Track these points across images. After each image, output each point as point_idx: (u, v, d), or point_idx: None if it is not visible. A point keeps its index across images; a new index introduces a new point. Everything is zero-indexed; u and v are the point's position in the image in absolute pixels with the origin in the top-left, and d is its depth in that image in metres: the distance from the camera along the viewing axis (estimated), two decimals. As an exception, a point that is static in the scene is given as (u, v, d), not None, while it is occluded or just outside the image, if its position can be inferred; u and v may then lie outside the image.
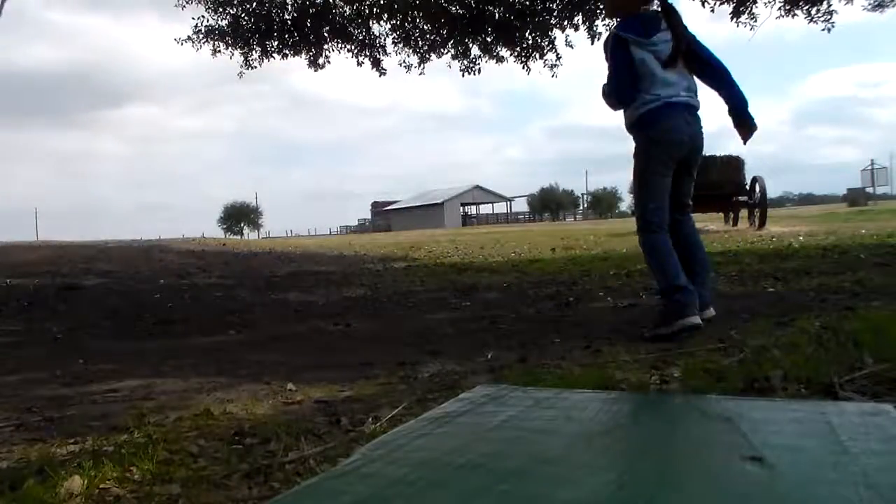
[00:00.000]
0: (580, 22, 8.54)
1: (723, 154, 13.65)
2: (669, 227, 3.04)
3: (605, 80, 3.09)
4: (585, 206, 72.70)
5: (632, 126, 3.04)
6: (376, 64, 9.05)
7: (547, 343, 2.75)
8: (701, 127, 3.06)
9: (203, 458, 1.51)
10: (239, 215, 76.39)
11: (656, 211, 3.00)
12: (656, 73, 2.92)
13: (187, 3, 8.21)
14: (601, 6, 8.10)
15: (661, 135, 2.96)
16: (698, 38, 3.05)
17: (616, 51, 2.95)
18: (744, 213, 13.62)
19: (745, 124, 2.97)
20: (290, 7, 8.51)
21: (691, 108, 3.02)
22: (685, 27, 3.00)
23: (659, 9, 3.06)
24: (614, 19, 3.22)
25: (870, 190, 32.67)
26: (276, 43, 8.66)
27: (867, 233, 8.75)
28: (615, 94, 3.05)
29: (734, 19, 8.16)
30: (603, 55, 3.07)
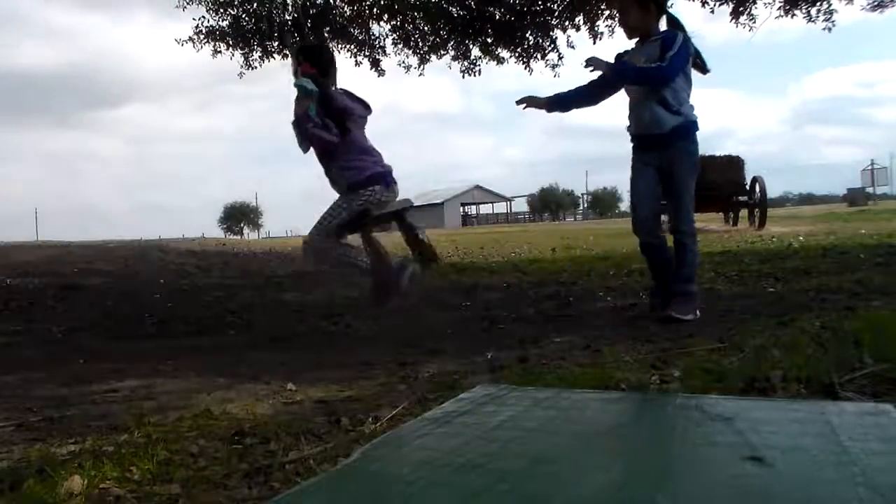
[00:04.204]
0: (581, 22, 8.54)
1: (723, 154, 13.65)
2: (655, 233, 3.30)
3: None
4: (585, 206, 72.65)
5: (688, 129, 3.23)
6: (375, 64, 9.06)
7: (547, 343, 2.75)
8: None
9: (203, 458, 1.51)
10: (239, 215, 76.35)
11: None
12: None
13: (188, 3, 8.22)
14: (602, 6, 8.10)
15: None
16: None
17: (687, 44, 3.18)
18: (744, 213, 13.61)
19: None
20: (290, 7, 8.52)
21: None
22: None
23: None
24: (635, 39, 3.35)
25: (870, 190, 32.66)
26: (277, 43, 8.66)
27: (867, 233, 8.74)
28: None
29: (733, 20, 8.17)
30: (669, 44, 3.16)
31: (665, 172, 3.23)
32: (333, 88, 3.43)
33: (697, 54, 3.25)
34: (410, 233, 3.60)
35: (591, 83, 3.32)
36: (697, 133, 3.26)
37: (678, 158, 3.20)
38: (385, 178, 3.38)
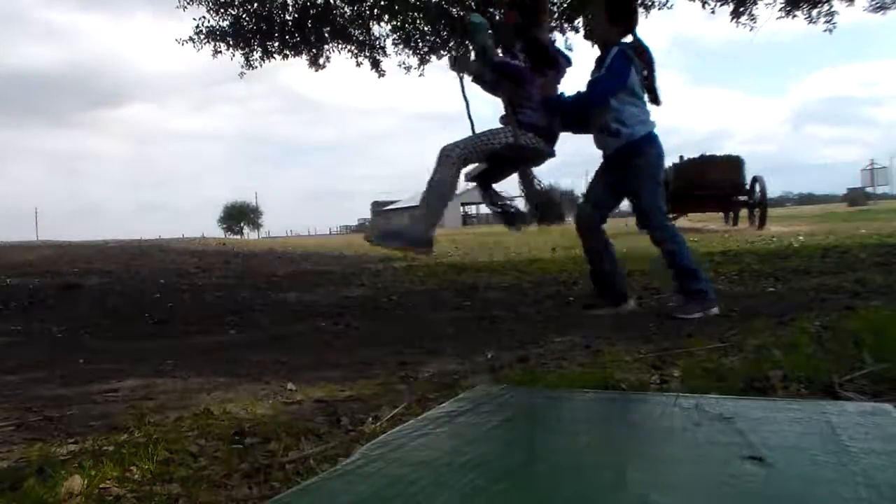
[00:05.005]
0: (581, 24, 8.54)
1: (723, 154, 13.66)
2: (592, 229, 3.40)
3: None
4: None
5: (634, 147, 3.25)
6: (375, 65, 9.05)
7: (547, 343, 2.75)
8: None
9: (203, 458, 1.51)
10: (239, 215, 76.33)
11: None
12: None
13: (188, 3, 8.21)
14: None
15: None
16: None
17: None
18: (744, 212, 13.62)
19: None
20: (290, 8, 8.51)
21: None
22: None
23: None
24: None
25: (870, 189, 32.68)
26: (277, 43, 8.66)
27: (867, 233, 8.74)
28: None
29: (734, 20, 8.16)
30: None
31: (625, 191, 3.37)
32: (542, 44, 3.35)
33: (650, 82, 3.26)
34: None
35: (579, 109, 3.36)
36: (651, 141, 3.26)
37: (633, 176, 3.26)
38: (554, 138, 3.32)
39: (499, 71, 3.24)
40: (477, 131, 3.26)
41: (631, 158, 3.24)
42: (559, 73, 3.38)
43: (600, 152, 3.40)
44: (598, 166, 3.45)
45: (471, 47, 3.27)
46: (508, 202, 3.49)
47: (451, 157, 3.11)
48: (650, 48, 3.26)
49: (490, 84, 3.32)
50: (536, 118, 3.24)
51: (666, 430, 0.72)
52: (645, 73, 3.24)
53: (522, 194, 3.53)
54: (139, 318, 4.41)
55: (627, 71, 3.16)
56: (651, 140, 3.27)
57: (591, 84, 3.28)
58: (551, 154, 3.38)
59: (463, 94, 3.35)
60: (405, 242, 3.14)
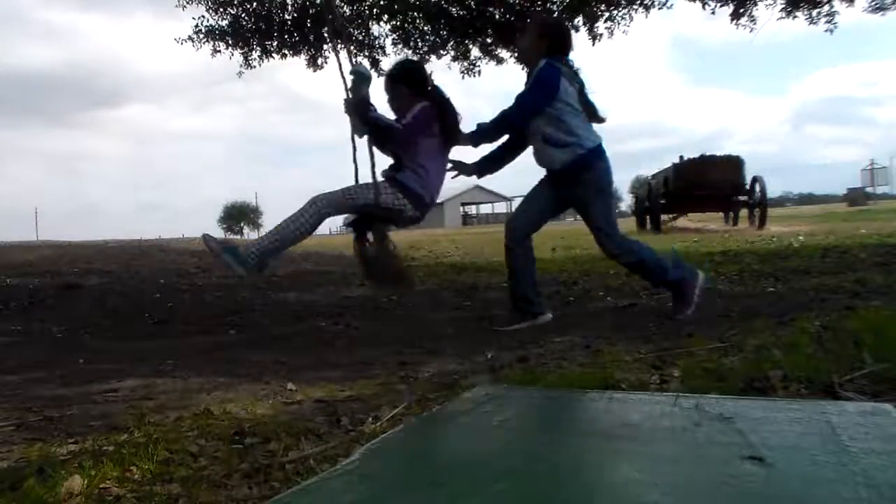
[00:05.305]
0: (581, 23, 8.54)
1: (723, 154, 13.68)
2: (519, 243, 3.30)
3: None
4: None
5: (585, 158, 3.18)
6: (375, 65, 9.04)
7: (547, 343, 2.75)
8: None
9: (203, 458, 1.51)
10: (239, 215, 76.33)
11: None
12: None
13: (188, 3, 8.21)
14: (602, 7, 8.10)
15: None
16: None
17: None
18: (744, 212, 13.64)
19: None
20: (290, 7, 8.51)
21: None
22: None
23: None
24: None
25: (870, 190, 32.70)
26: (276, 43, 8.66)
27: (867, 233, 8.74)
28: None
29: (734, 21, 8.16)
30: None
31: (574, 205, 3.29)
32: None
33: (585, 101, 3.20)
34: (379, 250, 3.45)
35: (505, 130, 3.29)
36: (600, 155, 3.19)
37: (583, 192, 3.19)
38: (423, 205, 3.25)
39: (370, 126, 3.17)
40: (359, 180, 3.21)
41: (580, 173, 3.15)
42: (450, 137, 3.27)
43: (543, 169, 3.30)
44: (541, 179, 3.33)
45: (349, 96, 3.17)
46: (372, 256, 3.41)
47: (316, 205, 3.12)
48: (579, 72, 3.22)
49: (374, 139, 3.23)
50: (412, 181, 3.16)
51: (666, 430, 0.72)
52: (579, 90, 3.18)
53: (357, 251, 3.42)
54: (139, 318, 4.41)
55: (556, 80, 3.09)
56: (600, 154, 3.20)
57: (517, 97, 3.21)
58: (416, 219, 3.28)
59: (352, 137, 3.24)
60: (221, 255, 3.06)
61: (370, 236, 3.39)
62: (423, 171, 3.18)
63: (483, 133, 3.25)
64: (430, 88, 3.27)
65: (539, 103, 3.12)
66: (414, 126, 3.13)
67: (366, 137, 3.23)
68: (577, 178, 3.17)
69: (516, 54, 3.39)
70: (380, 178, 3.19)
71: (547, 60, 3.14)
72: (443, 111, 3.20)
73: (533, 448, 0.68)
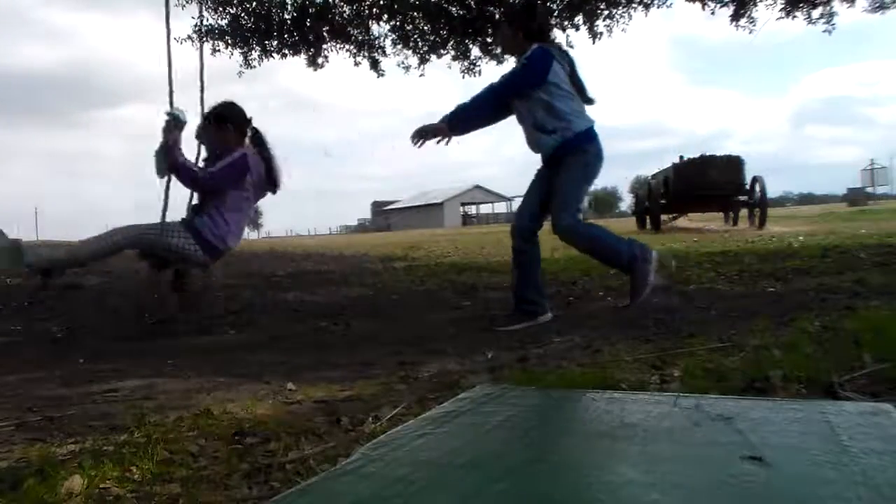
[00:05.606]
0: (581, 22, 8.54)
1: (723, 154, 13.67)
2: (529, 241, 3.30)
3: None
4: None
5: (572, 143, 3.19)
6: (375, 65, 9.04)
7: (547, 343, 2.75)
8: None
9: (203, 458, 1.51)
10: (239, 215, 76.12)
11: None
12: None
13: (187, 2, 8.21)
14: (602, 6, 8.10)
15: None
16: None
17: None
18: (744, 212, 13.63)
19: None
20: (289, 7, 8.51)
21: None
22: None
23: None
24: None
25: (870, 190, 32.69)
26: (276, 42, 8.65)
27: (867, 233, 8.74)
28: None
29: (733, 22, 8.16)
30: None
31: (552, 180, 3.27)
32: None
33: (576, 81, 3.20)
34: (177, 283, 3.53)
35: (486, 103, 3.27)
36: (591, 138, 3.19)
37: (565, 168, 3.17)
38: (215, 252, 3.33)
39: (176, 171, 3.21)
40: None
41: (567, 155, 3.13)
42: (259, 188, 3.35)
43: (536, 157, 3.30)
44: (536, 172, 3.33)
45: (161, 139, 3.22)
46: (162, 291, 3.46)
47: (114, 238, 3.25)
48: (569, 53, 3.25)
49: (181, 182, 3.30)
50: (209, 229, 3.23)
51: (666, 430, 0.72)
52: (569, 71, 3.18)
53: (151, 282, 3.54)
54: (139, 318, 4.41)
55: (547, 63, 3.07)
56: (591, 136, 3.18)
57: (505, 74, 3.22)
58: (205, 264, 3.38)
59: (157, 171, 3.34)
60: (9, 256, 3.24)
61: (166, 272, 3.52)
62: (223, 221, 3.27)
63: (465, 109, 3.21)
64: (253, 134, 3.35)
65: (528, 80, 3.12)
66: (219, 178, 3.21)
67: (165, 179, 3.31)
68: (564, 160, 3.16)
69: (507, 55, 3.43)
70: (179, 219, 3.28)
71: (538, 46, 3.15)
72: (266, 161, 3.31)
73: (533, 448, 0.68)
